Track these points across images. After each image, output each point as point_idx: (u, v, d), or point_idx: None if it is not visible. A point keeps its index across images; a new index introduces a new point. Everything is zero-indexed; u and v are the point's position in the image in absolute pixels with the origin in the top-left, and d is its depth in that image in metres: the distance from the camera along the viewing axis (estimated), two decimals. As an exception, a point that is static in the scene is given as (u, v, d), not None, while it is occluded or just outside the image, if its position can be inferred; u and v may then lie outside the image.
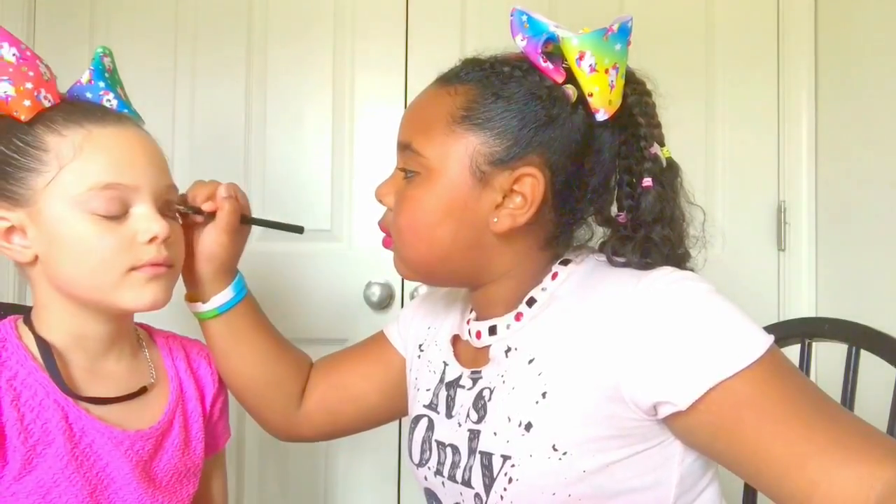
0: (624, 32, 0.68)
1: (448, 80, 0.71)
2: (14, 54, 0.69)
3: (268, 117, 1.42)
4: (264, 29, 1.42)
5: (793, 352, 0.89)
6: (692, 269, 0.70)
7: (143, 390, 0.78)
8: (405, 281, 1.40)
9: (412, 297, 1.40)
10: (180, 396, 0.81)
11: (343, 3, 1.42)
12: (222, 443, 0.89)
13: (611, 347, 0.63)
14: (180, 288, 0.81)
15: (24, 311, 0.77)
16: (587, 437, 0.64)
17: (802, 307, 1.44)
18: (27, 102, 0.69)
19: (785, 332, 0.98)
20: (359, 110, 1.42)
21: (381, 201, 0.75)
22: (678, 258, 0.70)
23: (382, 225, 0.75)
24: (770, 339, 0.62)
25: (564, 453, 0.64)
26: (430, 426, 0.78)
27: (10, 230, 0.71)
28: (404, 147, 0.71)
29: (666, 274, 0.66)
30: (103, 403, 0.74)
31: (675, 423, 0.63)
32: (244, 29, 1.42)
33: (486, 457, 0.69)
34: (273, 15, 1.42)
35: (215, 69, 1.41)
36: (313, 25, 1.42)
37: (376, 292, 1.40)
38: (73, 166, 0.69)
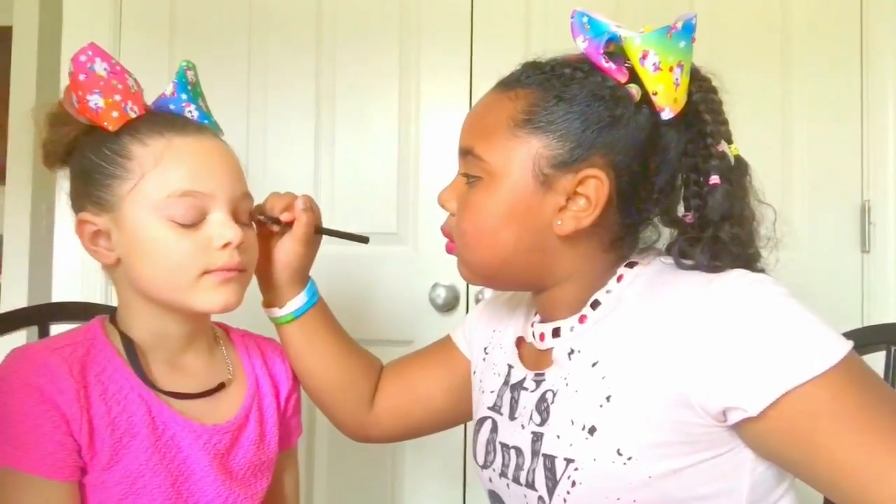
0: (688, 30, 0.66)
1: (508, 84, 0.71)
2: (105, 69, 0.74)
3: (336, 122, 1.45)
4: (332, 35, 1.45)
5: (877, 359, 0.85)
6: (764, 271, 0.68)
7: (220, 386, 0.81)
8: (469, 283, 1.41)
9: (477, 299, 1.40)
10: (256, 392, 0.84)
11: (409, 8, 1.44)
12: (295, 438, 0.91)
13: (679, 351, 0.62)
14: (255, 292, 0.84)
15: (111, 311, 0.82)
16: (653, 443, 0.63)
17: (889, 312, 1.37)
18: (115, 114, 0.73)
19: (869, 337, 0.93)
20: (424, 114, 1.44)
21: (443, 206, 0.76)
22: (748, 258, 0.68)
23: (445, 230, 0.76)
24: (848, 344, 0.60)
25: (629, 458, 0.63)
26: (495, 428, 0.78)
27: (97, 234, 0.75)
28: (466, 152, 0.72)
29: (738, 276, 0.64)
30: (184, 398, 0.77)
31: (745, 430, 0.61)
32: (313, 36, 1.46)
33: (549, 459, 0.68)
34: (340, 21, 1.45)
35: (286, 77, 1.45)
36: (379, 29, 1.44)
37: (441, 294, 1.41)
38: (155, 174, 0.72)
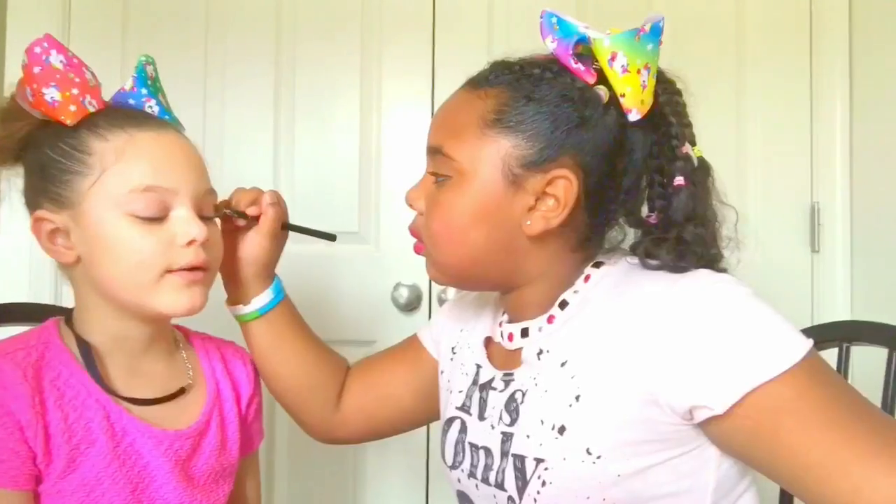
0: (656, 32, 0.67)
1: (478, 83, 0.71)
2: (61, 61, 0.71)
3: (296, 120, 1.43)
4: (293, 31, 1.43)
5: (830, 356, 0.88)
6: (727, 272, 0.70)
7: (181, 391, 0.79)
8: (433, 283, 1.40)
9: (440, 299, 1.40)
10: (217, 397, 0.82)
11: (371, 5, 1.43)
12: (257, 443, 0.90)
13: (646, 350, 0.63)
14: (217, 292, 0.82)
15: (64, 313, 0.79)
16: (622, 441, 0.64)
17: (837, 310, 1.42)
18: (73, 108, 0.71)
19: (822, 335, 0.96)
20: (386, 113, 1.43)
21: (411, 206, 0.75)
22: (711, 258, 0.70)
23: (413, 230, 0.76)
24: (809, 342, 0.61)
25: (599, 457, 0.64)
26: (464, 428, 0.78)
27: (55, 232, 0.73)
28: (435, 151, 0.72)
29: (703, 276, 0.65)
30: (143, 404, 0.75)
31: (711, 427, 0.62)
32: (272, 31, 1.43)
33: (519, 459, 0.69)
34: (301, 17, 1.43)
35: (244, 72, 1.42)
36: (341, 27, 1.43)
37: (404, 294, 1.40)
38: (116, 169, 0.70)
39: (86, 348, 0.74)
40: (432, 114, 1.41)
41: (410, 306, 1.41)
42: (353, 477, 1.43)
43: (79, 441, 0.70)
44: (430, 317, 1.41)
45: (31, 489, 0.67)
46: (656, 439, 0.63)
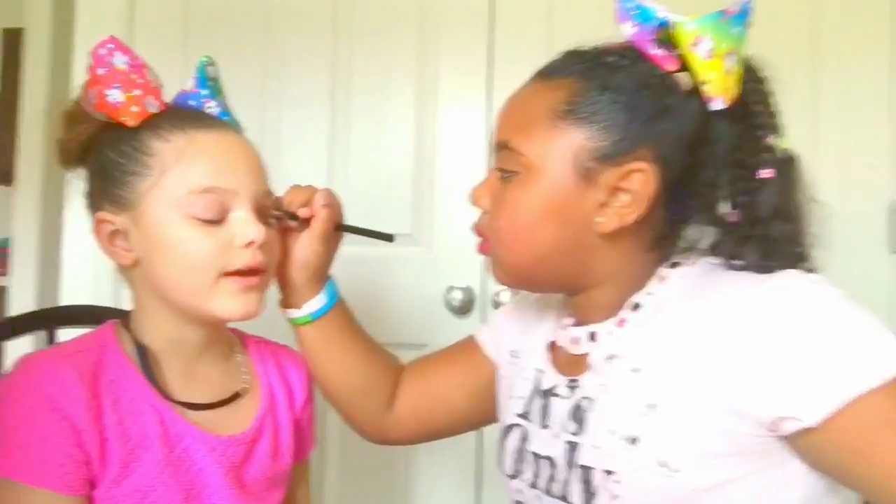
0: (744, 15, 0.63)
1: (548, 74, 0.68)
2: (125, 62, 0.71)
3: (351, 121, 1.42)
4: (349, 31, 1.42)
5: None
6: (816, 271, 0.64)
7: (235, 396, 0.78)
8: (487, 285, 1.37)
9: (493, 301, 1.37)
10: (271, 403, 0.81)
11: (427, 3, 1.41)
12: (309, 450, 0.88)
13: (729, 356, 0.58)
14: (272, 291, 0.81)
15: (122, 315, 0.78)
16: (699, 454, 0.59)
17: (919, 314, 1.32)
18: (135, 108, 0.71)
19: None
20: (441, 113, 1.40)
21: (476, 204, 0.72)
22: (799, 257, 0.64)
23: (478, 229, 0.72)
24: None
25: (674, 470, 0.60)
26: (525, 436, 0.74)
27: (115, 234, 0.72)
28: (502, 146, 0.68)
29: (793, 277, 0.60)
30: (198, 409, 0.74)
31: (799, 441, 0.58)
32: (329, 32, 1.42)
33: (586, 471, 0.65)
34: (357, 17, 1.42)
35: (301, 72, 1.42)
36: (397, 26, 1.41)
37: (457, 297, 1.37)
38: (176, 170, 0.70)
39: (142, 351, 0.73)
40: (488, 114, 1.41)
41: (463, 309, 1.38)
42: (403, 481, 1.41)
43: (134, 446, 0.69)
44: (483, 320, 1.38)
45: (86, 494, 0.67)
46: (737, 452, 0.59)
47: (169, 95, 0.77)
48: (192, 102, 0.77)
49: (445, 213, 1.38)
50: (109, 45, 0.71)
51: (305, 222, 0.80)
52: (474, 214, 0.73)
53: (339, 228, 0.83)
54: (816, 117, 1.36)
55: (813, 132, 1.36)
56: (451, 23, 1.40)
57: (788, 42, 1.35)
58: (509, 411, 0.78)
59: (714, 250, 0.67)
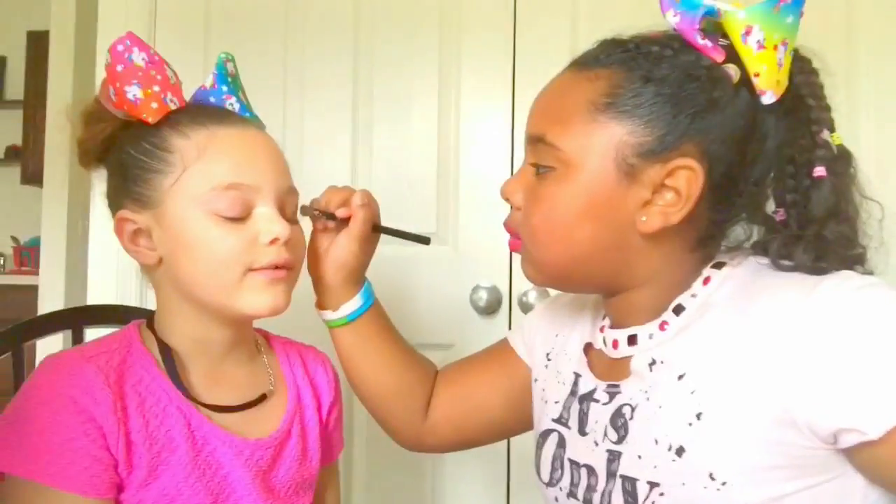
0: (798, 3, 0.59)
1: (585, 63, 0.64)
2: (143, 59, 0.70)
3: (374, 120, 1.40)
4: (371, 30, 1.40)
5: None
6: (873, 273, 0.61)
7: (262, 398, 0.76)
8: (513, 285, 1.34)
9: (521, 301, 1.34)
10: (298, 404, 0.79)
11: (449, 2, 1.38)
12: (337, 453, 0.86)
13: (782, 362, 0.55)
14: (304, 293, 0.79)
15: (147, 315, 0.77)
16: (751, 466, 0.56)
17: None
18: (154, 105, 0.70)
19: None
20: (464, 112, 1.38)
21: (508, 200, 0.69)
22: (855, 259, 0.61)
23: (509, 226, 0.70)
24: None
25: (723, 483, 0.56)
26: (562, 443, 0.71)
27: (137, 232, 0.71)
28: (536, 140, 0.65)
29: (847, 279, 0.57)
30: (225, 411, 0.72)
31: (860, 454, 0.54)
32: (351, 31, 1.40)
33: (630, 482, 0.62)
34: (379, 15, 1.40)
35: (323, 71, 1.40)
36: (419, 25, 1.39)
37: (483, 297, 1.35)
38: (197, 167, 0.68)
39: (167, 352, 0.72)
40: (512, 111, 1.38)
41: (490, 309, 1.35)
42: (431, 486, 1.39)
43: (160, 449, 0.67)
44: (510, 320, 1.35)
45: (113, 497, 0.65)
46: (791, 465, 0.56)
47: (190, 96, 0.76)
48: (211, 99, 0.75)
49: (470, 212, 1.36)
50: (127, 42, 0.70)
51: (343, 223, 0.79)
52: (501, 212, 0.71)
53: (376, 230, 0.81)
54: (853, 112, 1.31)
55: (850, 128, 1.30)
56: (473, 20, 1.37)
57: (824, 34, 1.30)
58: (545, 416, 0.75)
59: (761, 250, 0.64)
